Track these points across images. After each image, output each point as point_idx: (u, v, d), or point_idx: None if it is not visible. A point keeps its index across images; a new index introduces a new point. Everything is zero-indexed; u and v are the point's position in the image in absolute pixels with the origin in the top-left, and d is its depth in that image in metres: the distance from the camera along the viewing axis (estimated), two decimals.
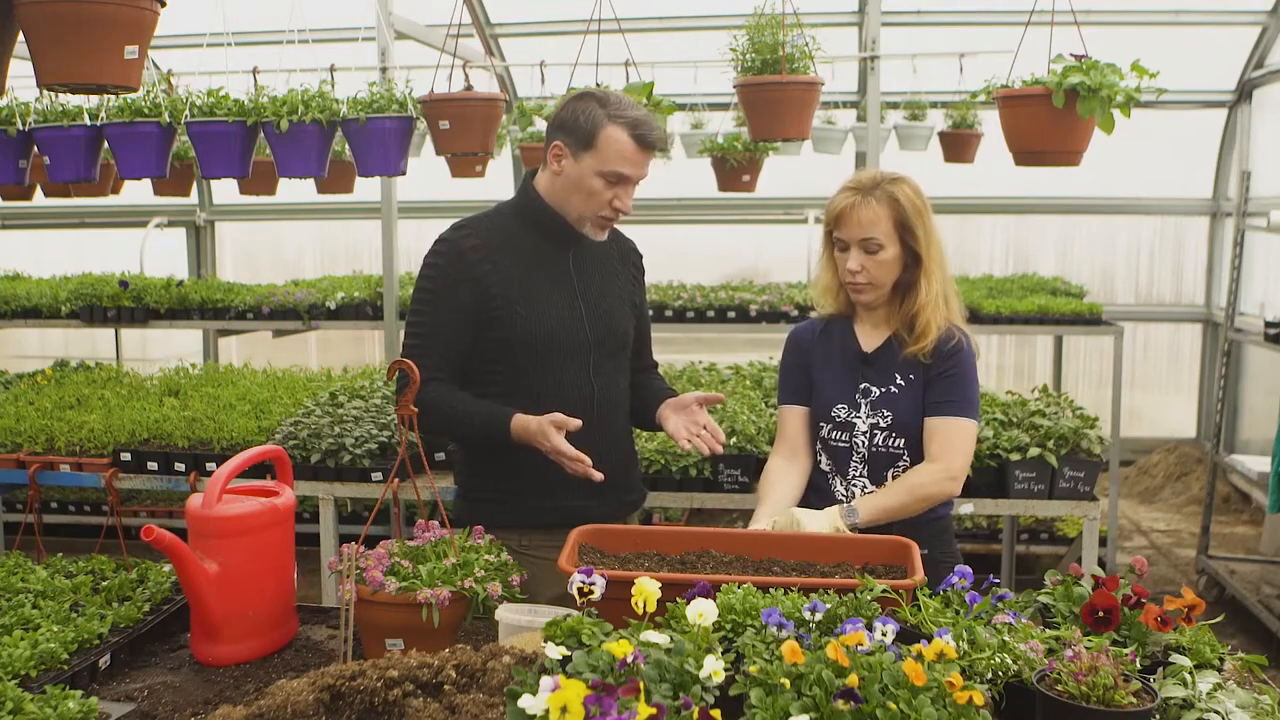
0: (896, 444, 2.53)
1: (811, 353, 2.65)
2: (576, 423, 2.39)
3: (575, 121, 2.46)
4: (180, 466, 3.84)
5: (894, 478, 2.53)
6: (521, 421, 2.44)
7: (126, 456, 3.87)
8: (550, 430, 2.38)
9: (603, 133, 2.44)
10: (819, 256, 2.66)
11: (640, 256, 2.81)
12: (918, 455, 2.53)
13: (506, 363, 2.54)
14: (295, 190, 5.92)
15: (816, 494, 2.61)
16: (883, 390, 2.55)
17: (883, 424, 2.53)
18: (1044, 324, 5.75)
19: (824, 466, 2.61)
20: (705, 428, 2.49)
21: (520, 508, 2.57)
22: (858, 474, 2.55)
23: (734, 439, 3.74)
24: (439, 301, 2.53)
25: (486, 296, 2.51)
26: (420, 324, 2.56)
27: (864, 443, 2.55)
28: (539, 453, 2.45)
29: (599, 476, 2.39)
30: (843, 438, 2.56)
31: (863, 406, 2.56)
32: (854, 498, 2.54)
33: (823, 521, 2.34)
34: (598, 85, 3.69)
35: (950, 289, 2.58)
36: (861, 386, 2.57)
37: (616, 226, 2.73)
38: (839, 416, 2.57)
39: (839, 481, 2.57)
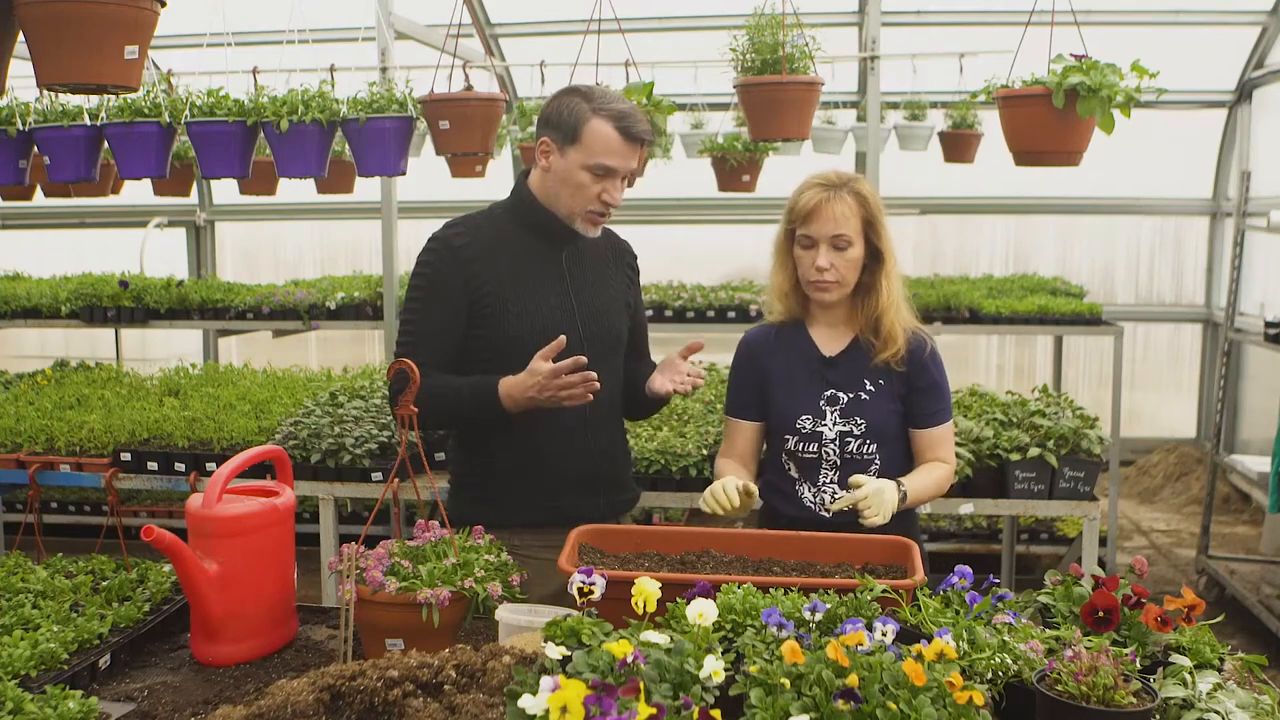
0: (869, 450, 2.50)
1: (768, 363, 2.60)
2: (561, 340, 2.35)
3: (560, 116, 2.46)
4: (180, 466, 3.84)
5: None
6: (508, 380, 2.41)
7: (126, 456, 3.87)
8: (538, 363, 2.34)
9: (587, 126, 2.44)
10: (773, 258, 2.61)
11: (635, 258, 2.80)
12: (890, 459, 2.51)
13: (497, 361, 2.53)
14: (295, 190, 5.92)
15: (781, 498, 2.58)
16: (851, 396, 2.51)
17: (856, 431, 2.49)
18: (1044, 324, 5.75)
19: (791, 474, 2.57)
20: (688, 374, 2.52)
21: (512, 506, 2.58)
22: (828, 480, 2.52)
23: None
24: (431, 299, 2.54)
25: (478, 294, 2.51)
26: (412, 321, 2.56)
27: (834, 451, 2.50)
28: (530, 452, 2.44)
29: (598, 385, 2.36)
30: (810, 448, 2.51)
31: (829, 414, 2.51)
32: (822, 504, 2.52)
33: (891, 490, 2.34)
34: (598, 84, 3.69)
35: (904, 292, 2.56)
36: (827, 394, 2.52)
37: (612, 227, 2.73)
38: (804, 428, 2.52)
39: (807, 488, 2.54)
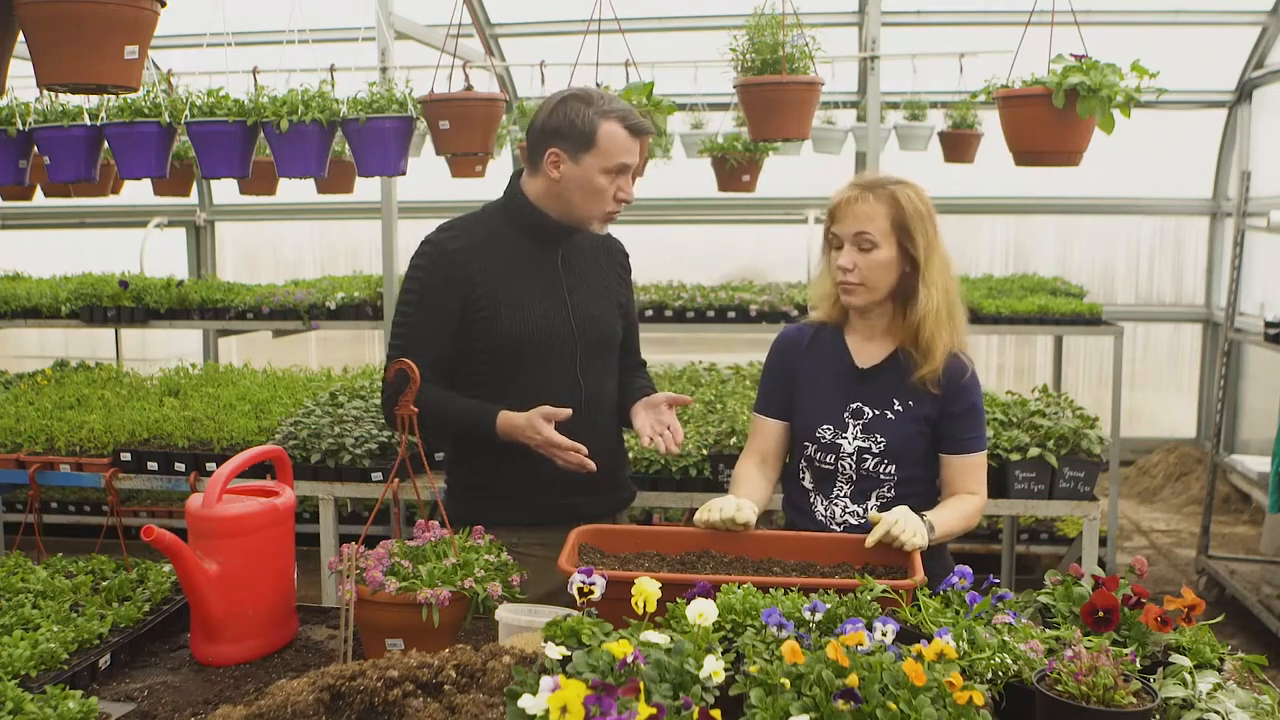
0: (888, 470, 2.44)
1: (798, 364, 2.55)
2: (565, 412, 2.40)
3: (571, 126, 2.47)
4: (180, 466, 3.84)
5: (879, 500, 2.45)
6: (508, 418, 2.45)
7: (126, 456, 3.87)
8: (539, 422, 2.40)
9: (600, 131, 2.46)
10: (819, 259, 2.58)
11: (627, 256, 2.80)
12: (908, 481, 2.45)
13: (493, 363, 2.55)
14: (295, 190, 5.92)
15: (796, 511, 2.55)
16: (877, 413, 2.44)
17: (875, 449, 2.43)
18: (1044, 324, 5.75)
19: (806, 484, 2.52)
20: (669, 427, 2.49)
21: (508, 505, 2.58)
22: (841, 494, 2.47)
23: (734, 439, 3.75)
24: (424, 303, 2.55)
25: (471, 297, 2.52)
26: (405, 325, 2.57)
27: (851, 465, 2.45)
28: (525, 450, 2.45)
29: (593, 467, 2.41)
30: (828, 459, 2.47)
31: (851, 427, 2.46)
32: (834, 518, 2.47)
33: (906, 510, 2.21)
34: (598, 84, 3.69)
35: (955, 309, 2.46)
36: (853, 406, 2.46)
37: (610, 226, 2.74)
38: (824, 438, 2.47)
39: (820, 501, 2.49)
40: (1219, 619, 2.09)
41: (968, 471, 2.47)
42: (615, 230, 2.78)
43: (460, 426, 2.55)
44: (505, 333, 2.52)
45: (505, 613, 1.93)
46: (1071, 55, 2.97)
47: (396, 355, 2.52)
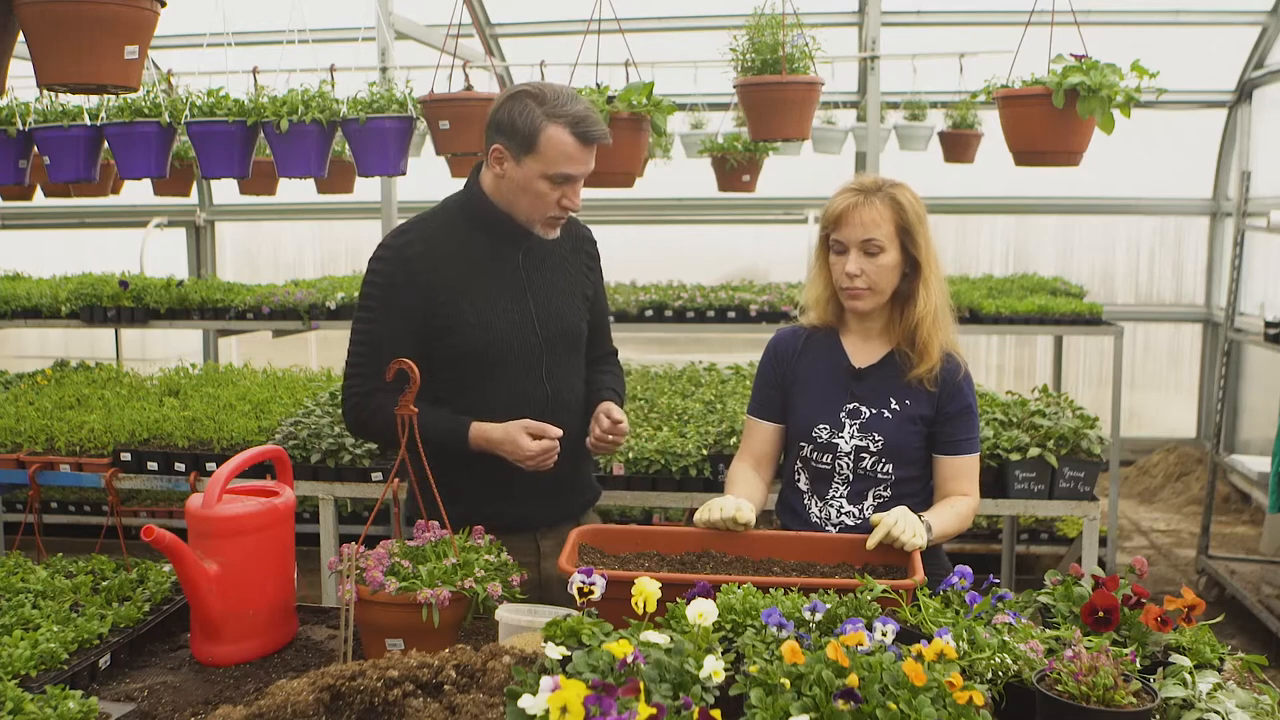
0: (885, 469, 2.43)
1: (793, 367, 2.54)
2: (556, 432, 2.38)
3: (513, 124, 2.36)
4: (180, 466, 3.84)
5: (875, 500, 2.44)
6: (481, 430, 2.40)
7: (126, 456, 3.87)
8: (523, 436, 2.37)
9: (543, 134, 2.34)
10: (812, 263, 2.56)
11: (594, 244, 2.70)
12: (905, 480, 2.44)
13: (457, 369, 2.47)
14: (295, 190, 5.92)
15: (791, 515, 2.54)
16: (875, 412, 2.44)
17: (872, 448, 2.42)
18: (1044, 324, 5.74)
19: (801, 486, 2.50)
20: (604, 435, 2.48)
21: (472, 508, 2.46)
22: (837, 495, 2.45)
23: (734, 439, 3.75)
24: (384, 310, 2.46)
25: (433, 304, 2.44)
26: (365, 333, 2.48)
27: (848, 465, 2.44)
28: (489, 456, 2.41)
29: (557, 432, 2.40)
30: (825, 459, 2.45)
31: (848, 426, 2.44)
32: (830, 519, 2.46)
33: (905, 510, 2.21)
34: (598, 84, 3.69)
35: (948, 308, 2.47)
36: (850, 406, 2.45)
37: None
38: (820, 437, 2.45)
39: (815, 503, 2.48)
40: (1219, 619, 2.09)
41: (961, 473, 2.46)
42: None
43: (429, 441, 2.32)
44: (469, 338, 2.45)
45: (505, 613, 1.93)
46: (1071, 55, 2.97)
47: (358, 364, 2.47)
